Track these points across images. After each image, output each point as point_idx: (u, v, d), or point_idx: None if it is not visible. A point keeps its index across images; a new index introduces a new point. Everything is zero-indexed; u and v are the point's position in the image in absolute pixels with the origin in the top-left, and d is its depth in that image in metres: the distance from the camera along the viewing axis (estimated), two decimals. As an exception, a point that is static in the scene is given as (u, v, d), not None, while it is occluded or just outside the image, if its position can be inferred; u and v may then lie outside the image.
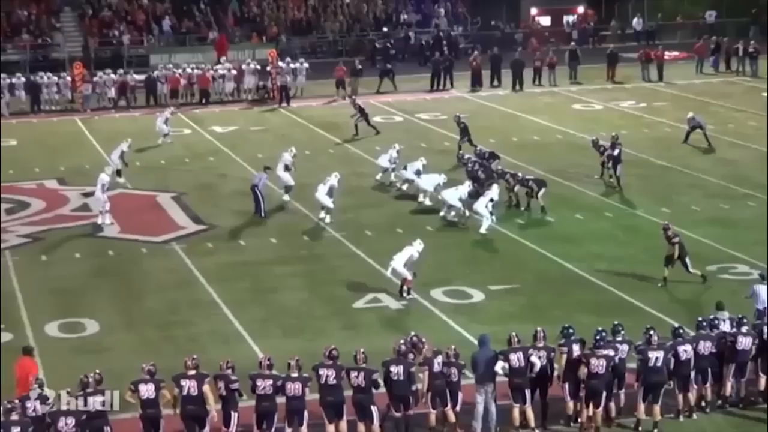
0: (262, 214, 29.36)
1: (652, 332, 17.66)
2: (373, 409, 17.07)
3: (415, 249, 23.49)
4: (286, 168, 30.80)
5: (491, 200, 27.89)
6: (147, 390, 16.47)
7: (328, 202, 28.67)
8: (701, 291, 23.53)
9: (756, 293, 20.53)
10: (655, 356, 17.41)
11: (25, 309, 23.22)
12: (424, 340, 17.90)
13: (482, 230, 27.55)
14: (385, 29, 58.38)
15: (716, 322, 18.55)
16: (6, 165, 34.80)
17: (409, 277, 23.30)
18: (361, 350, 17.29)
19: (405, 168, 31.47)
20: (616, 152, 31.39)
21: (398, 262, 23.33)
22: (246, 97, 47.16)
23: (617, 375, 17.62)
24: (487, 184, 29.21)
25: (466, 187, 28.78)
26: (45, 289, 24.53)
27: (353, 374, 16.98)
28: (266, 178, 30.01)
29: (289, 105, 45.24)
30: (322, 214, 28.87)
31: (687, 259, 23.77)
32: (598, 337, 17.46)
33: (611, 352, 17.40)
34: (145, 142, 37.53)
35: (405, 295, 23.35)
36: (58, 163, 35.80)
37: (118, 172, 32.78)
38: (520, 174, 29.96)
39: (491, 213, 27.75)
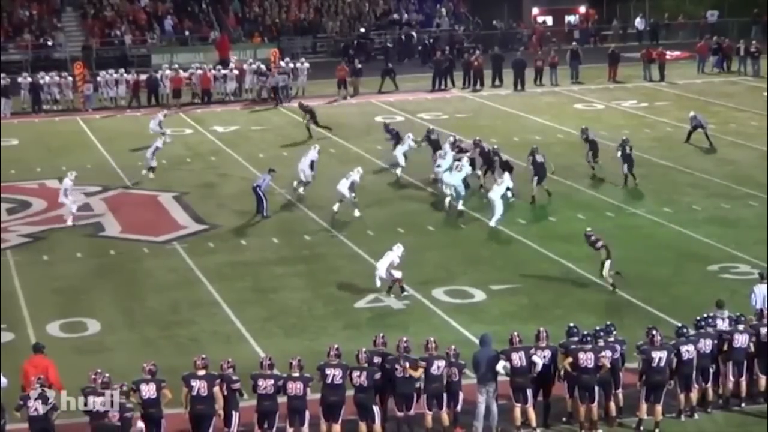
0: (265, 214, 29.35)
1: (654, 332, 17.63)
2: (375, 408, 17.09)
3: (395, 254, 23.47)
4: (312, 165, 30.84)
5: (507, 188, 27.93)
6: (148, 390, 16.47)
7: (348, 194, 28.78)
8: (702, 291, 23.48)
9: (755, 293, 20.51)
10: (659, 356, 17.37)
11: (26, 309, 23.21)
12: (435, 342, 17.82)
13: (492, 223, 27.57)
14: (364, 29, 58.23)
15: (714, 320, 18.51)
16: (7, 165, 34.84)
17: (396, 276, 23.30)
18: (363, 350, 17.33)
19: (438, 165, 30.87)
20: (619, 153, 31.38)
21: (381, 269, 23.37)
22: (247, 97, 47.17)
23: (614, 374, 17.61)
24: (499, 171, 29.28)
25: (464, 168, 29.17)
26: (46, 289, 24.55)
27: (355, 374, 16.98)
28: (270, 180, 29.96)
29: (283, 104, 45.05)
30: (336, 206, 28.97)
31: (608, 263, 23.41)
32: (585, 332, 17.49)
33: (608, 353, 17.40)
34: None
35: (392, 294, 23.34)
36: (59, 163, 35.76)
37: (151, 169, 33.41)
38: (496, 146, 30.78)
39: (510, 198, 28.08)
